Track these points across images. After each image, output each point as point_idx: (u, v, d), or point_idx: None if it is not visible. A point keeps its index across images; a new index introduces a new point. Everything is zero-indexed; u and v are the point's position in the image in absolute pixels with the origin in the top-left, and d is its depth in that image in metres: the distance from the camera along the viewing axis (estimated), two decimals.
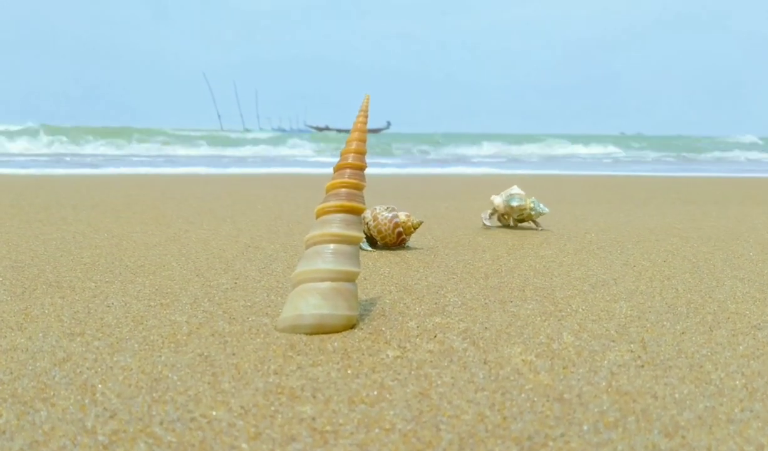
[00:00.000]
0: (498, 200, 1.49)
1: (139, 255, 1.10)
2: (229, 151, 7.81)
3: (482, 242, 1.31)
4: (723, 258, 1.17)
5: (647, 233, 1.49)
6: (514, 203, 1.46)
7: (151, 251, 1.13)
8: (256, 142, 9.62)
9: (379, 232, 1.20)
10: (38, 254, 1.09)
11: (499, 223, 1.53)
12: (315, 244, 0.69)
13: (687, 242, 1.36)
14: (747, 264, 1.11)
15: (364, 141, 0.72)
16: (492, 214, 1.52)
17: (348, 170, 0.71)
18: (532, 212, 1.47)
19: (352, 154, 0.71)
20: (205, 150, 7.96)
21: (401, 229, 1.20)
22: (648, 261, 1.13)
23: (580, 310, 0.79)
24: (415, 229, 1.22)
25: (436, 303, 0.80)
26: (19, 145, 7.42)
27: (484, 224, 1.52)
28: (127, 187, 2.58)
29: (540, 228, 1.51)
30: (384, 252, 1.17)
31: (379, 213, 1.21)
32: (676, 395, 0.52)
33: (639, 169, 5.77)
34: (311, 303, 0.66)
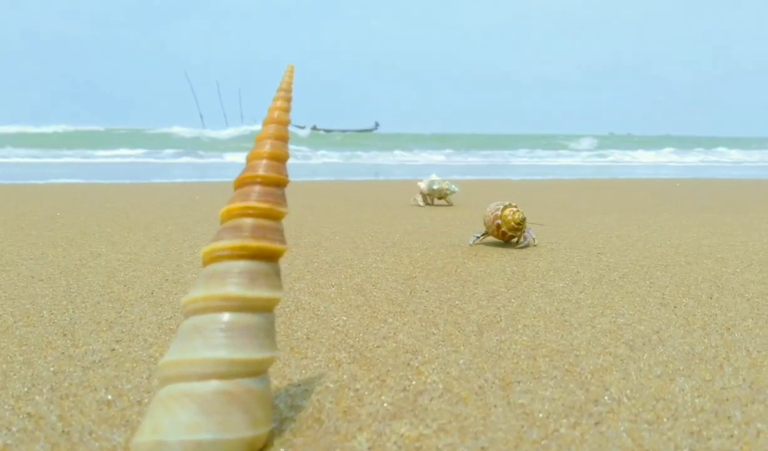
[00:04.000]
0: (422, 185, 2.02)
1: (8, 297, 0.81)
2: (202, 153, 7.46)
3: (473, 269, 1.03)
4: None
5: (673, 252, 1.23)
6: (435, 187, 2.00)
7: (27, 290, 0.84)
8: (227, 141, 9.26)
9: (486, 225, 1.24)
10: None
11: (423, 203, 2.02)
12: (197, 312, 0.41)
13: (725, 265, 1.10)
14: None
15: (283, 139, 0.45)
16: (421, 196, 2.01)
17: (257, 187, 0.43)
18: (447, 191, 2.00)
19: (265, 161, 0.44)
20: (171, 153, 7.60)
21: (500, 221, 1.20)
22: (689, 298, 0.87)
23: (624, 399, 0.52)
24: (517, 224, 1.20)
25: (405, 388, 0.53)
26: None
27: (418, 204, 2.01)
28: (70, 197, 2.28)
29: (451, 205, 2.03)
30: (343, 289, 0.89)
31: (489, 206, 1.25)
32: None
33: (640, 171, 5.57)
34: (182, 421, 0.38)
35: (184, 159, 6.33)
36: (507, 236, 1.21)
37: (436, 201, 2.11)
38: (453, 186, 2.03)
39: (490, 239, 1.33)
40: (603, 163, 7.41)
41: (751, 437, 0.46)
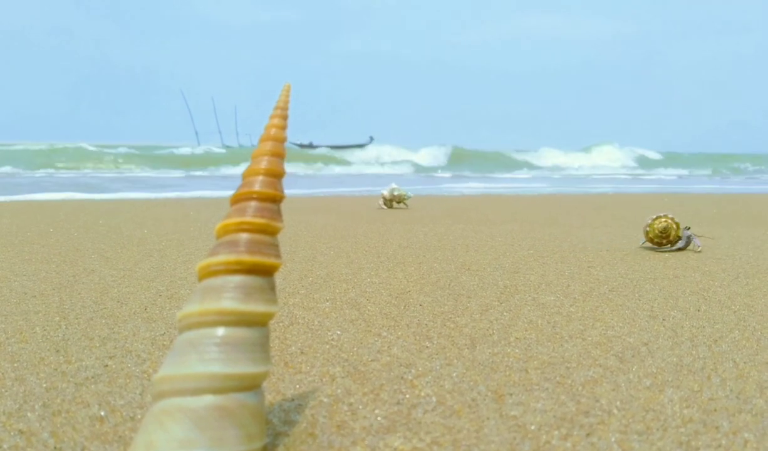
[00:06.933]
0: (384, 191, 2.53)
1: (0, 313, 0.80)
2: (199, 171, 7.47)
3: (467, 283, 1.04)
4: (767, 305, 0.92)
5: (661, 266, 1.24)
6: (396, 193, 2.51)
7: (20, 306, 0.84)
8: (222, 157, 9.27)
9: (644, 233, 1.41)
10: None
11: (386, 207, 2.49)
12: (191, 327, 0.41)
13: (712, 278, 1.12)
14: None
15: (280, 156, 0.45)
16: (384, 201, 2.50)
17: (253, 203, 0.43)
18: (404, 196, 2.51)
19: (261, 177, 0.44)
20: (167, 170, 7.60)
21: (648, 229, 1.39)
22: (677, 310, 0.88)
23: (614, 410, 0.52)
24: (660, 232, 1.36)
25: (398, 401, 0.53)
26: None
27: (381, 207, 2.48)
28: (63, 212, 2.27)
29: (408, 207, 2.54)
30: (338, 303, 0.89)
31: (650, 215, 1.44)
32: None
33: (632, 185, 5.63)
34: (175, 436, 0.38)
35: (179, 174, 6.32)
36: (654, 241, 1.39)
37: (397, 205, 2.64)
38: (409, 192, 2.57)
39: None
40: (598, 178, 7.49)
41: (738, 446, 0.46)
